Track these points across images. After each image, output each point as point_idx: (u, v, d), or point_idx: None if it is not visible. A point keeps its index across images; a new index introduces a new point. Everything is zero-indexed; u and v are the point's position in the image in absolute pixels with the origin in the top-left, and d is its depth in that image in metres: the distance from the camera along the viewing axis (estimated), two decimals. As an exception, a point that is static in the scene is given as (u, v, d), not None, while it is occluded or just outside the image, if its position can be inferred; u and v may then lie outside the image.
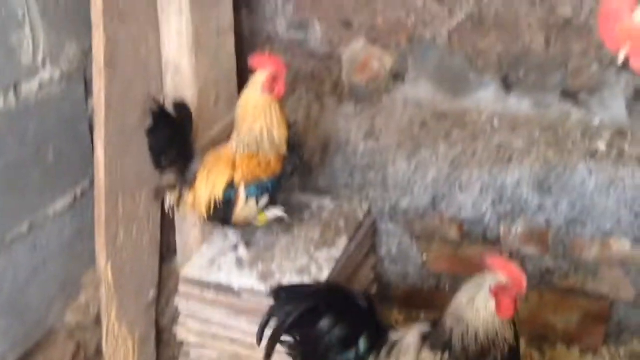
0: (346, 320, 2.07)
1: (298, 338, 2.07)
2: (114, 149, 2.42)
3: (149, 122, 2.32)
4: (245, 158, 2.39)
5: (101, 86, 2.37)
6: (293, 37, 2.97)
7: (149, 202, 2.61)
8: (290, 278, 2.49)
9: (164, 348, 2.76)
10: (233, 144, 2.42)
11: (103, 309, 2.48)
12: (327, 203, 2.87)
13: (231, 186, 2.39)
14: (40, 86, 2.28)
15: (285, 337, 2.04)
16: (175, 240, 2.77)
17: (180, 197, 2.41)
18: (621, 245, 2.67)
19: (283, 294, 2.08)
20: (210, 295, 2.52)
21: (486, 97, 2.88)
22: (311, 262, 2.57)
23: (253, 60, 2.40)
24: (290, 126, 2.44)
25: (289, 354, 2.12)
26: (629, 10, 1.52)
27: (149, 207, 2.63)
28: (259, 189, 2.41)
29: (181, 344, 2.63)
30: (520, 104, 2.85)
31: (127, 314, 2.54)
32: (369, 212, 2.87)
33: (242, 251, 2.58)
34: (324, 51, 3.01)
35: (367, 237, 2.85)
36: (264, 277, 2.50)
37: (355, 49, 2.92)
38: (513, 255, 2.80)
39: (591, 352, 2.81)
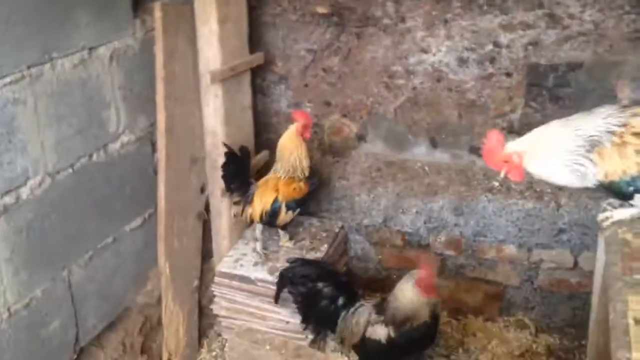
0: (333, 284, 2.27)
1: (302, 290, 2.24)
2: (170, 187, 2.36)
3: (223, 160, 2.38)
4: (285, 184, 2.40)
5: (162, 145, 2.33)
6: (291, 112, 2.90)
7: (194, 222, 2.55)
8: (289, 272, 2.40)
9: (204, 319, 2.67)
10: (279, 171, 2.42)
11: (162, 294, 2.40)
12: (314, 222, 2.79)
13: (276, 202, 2.39)
14: (121, 146, 2.25)
15: (291, 289, 2.25)
16: (212, 247, 2.68)
17: (243, 210, 2.44)
18: (510, 250, 2.61)
19: (293, 262, 2.31)
20: (235, 283, 2.45)
21: (420, 152, 2.81)
22: (304, 261, 2.48)
23: (294, 114, 2.49)
24: (311, 159, 2.47)
25: (295, 301, 2.28)
26: (501, 146, 1.63)
27: (194, 225, 2.56)
28: (294, 203, 2.43)
29: (216, 316, 2.54)
30: (442, 156, 2.78)
31: (178, 296, 2.46)
32: (342, 227, 2.79)
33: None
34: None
35: (340, 244, 2.77)
36: (272, 271, 2.43)
37: (333, 119, 2.86)
38: (438, 257, 2.72)
39: (490, 320, 2.72)
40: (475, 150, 2.72)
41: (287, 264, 2.33)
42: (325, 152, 2.92)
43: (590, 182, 1.46)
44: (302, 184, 2.43)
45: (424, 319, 2.08)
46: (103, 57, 2.10)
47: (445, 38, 2.60)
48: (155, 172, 2.38)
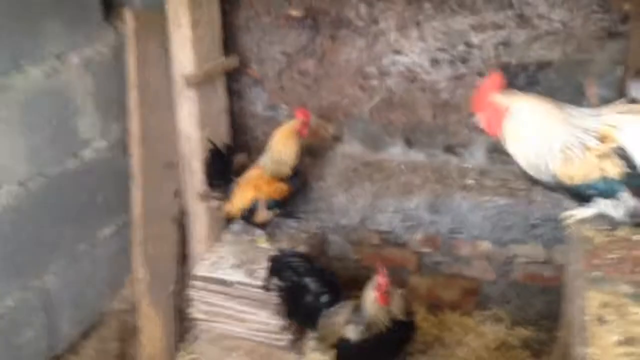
0: (319, 280, 2.26)
1: (289, 283, 2.24)
2: (145, 192, 2.35)
3: (206, 156, 2.39)
4: (267, 182, 2.42)
5: (136, 151, 2.32)
6: (267, 114, 2.91)
7: (169, 227, 2.54)
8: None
9: (183, 324, 2.66)
10: (263, 166, 2.44)
11: (138, 299, 2.38)
12: (293, 223, 2.79)
13: (256, 200, 2.40)
14: (95, 153, 2.25)
15: (278, 282, 2.26)
16: (189, 251, 2.67)
17: (222, 206, 2.44)
18: (484, 246, 2.64)
19: (282, 252, 2.34)
20: (212, 286, 2.45)
21: (396, 152, 2.82)
22: (282, 263, 2.49)
23: (295, 110, 2.50)
24: (299, 159, 2.47)
25: (280, 296, 2.28)
26: (496, 89, 1.51)
27: (170, 230, 2.55)
28: (274, 203, 2.43)
29: (193, 320, 2.54)
30: (418, 156, 2.80)
31: (155, 302, 2.46)
32: (321, 228, 2.80)
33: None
34: (288, 123, 2.94)
35: (319, 244, 2.78)
36: (249, 273, 2.43)
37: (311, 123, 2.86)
38: (415, 254, 2.74)
39: (467, 315, 2.75)
40: (450, 149, 2.75)
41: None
42: (302, 154, 2.92)
43: (545, 177, 1.46)
44: (283, 184, 2.43)
45: (383, 323, 2.07)
46: (74, 64, 2.09)
47: (417, 39, 2.62)
48: (130, 178, 2.36)
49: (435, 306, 2.79)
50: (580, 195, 1.44)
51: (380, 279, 2.07)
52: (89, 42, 2.16)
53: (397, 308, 2.09)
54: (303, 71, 2.82)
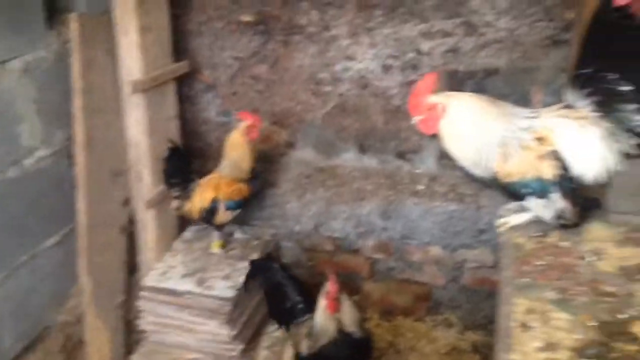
0: (297, 289, 2.29)
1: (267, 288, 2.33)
2: (90, 201, 2.33)
3: (166, 153, 2.40)
4: (226, 183, 2.45)
5: (81, 159, 2.30)
6: (220, 120, 2.91)
7: (117, 236, 2.52)
8: (217, 283, 2.42)
9: (132, 335, 2.64)
10: (222, 170, 2.47)
11: (85, 311, 2.36)
12: (246, 230, 2.80)
13: (215, 201, 2.42)
14: (37, 161, 2.21)
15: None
16: (138, 260, 2.65)
17: (181, 205, 2.46)
18: (435, 251, 2.69)
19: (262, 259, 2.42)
20: (162, 297, 2.43)
21: (349, 158, 2.86)
22: (233, 271, 2.51)
23: (240, 114, 2.51)
24: (256, 161, 2.51)
25: (265, 292, 2.37)
26: (430, 90, 1.55)
27: (117, 239, 2.53)
28: (233, 204, 2.45)
29: (143, 331, 2.52)
30: (370, 162, 2.84)
31: (102, 313, 2.43)
32: (274, 235, 2.81)
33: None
34: (242, 129, 2.95)
35: (272, 252, 2.79)
36: (199, 283, 2.43)
37: (262, 127, 2.86)
38: (368, 260, 2.79)
39: (420, 320, 2.80)
40: (402, 155, 2.80)
41: (222, 275, 2.38)
42: (258, 157, 2.94)
43: (482, 173, 1.50)
44: (243, 185, 2.47)
45: (332, 334, 2.03)
46: (15, 70, 2.06)
47: (369, 46, 2.66)
48: (74, 187, 2.34)
49: (388, 312, 2.84)
50: (515, 193, 1.50)
51: (329, 285, 2.06)
52: (31, 48, 2.13)
53: (348, 318, 2.06)
54: (256, 76, 2.83)
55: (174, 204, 2.49)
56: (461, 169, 1.57)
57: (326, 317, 2.05)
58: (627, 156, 1.46)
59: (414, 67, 2.65)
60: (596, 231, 1.53)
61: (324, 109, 2.82)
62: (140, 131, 2.46)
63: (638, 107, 1.40)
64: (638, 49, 1.39)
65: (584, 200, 1.49)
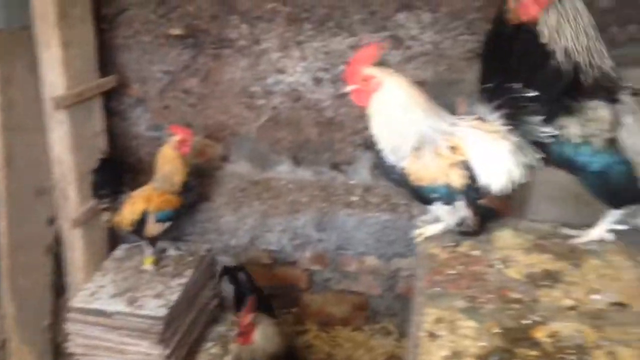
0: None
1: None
2: (12, 220, 2.27)
3: (96, 164, 2.35)
4: (157, 195, 2.41)
5: (1, 177, 2.22)
6: (151, 135, 2.89)
7: (42, 256, 2.46)
8: (149, 302, 2.38)
9: (59, 359, 2.57)
10: (153, 183, 2.43)
11: (8, 336, 2.28)
12: (180, 246, 2.77)
13: (145, 212, 2.38)
14: (-48, 181, 2.12)
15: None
16: (66, 281, 2.59)
17: (111, 217, 2.41)
18: (371, 261, 2.75)
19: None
20: (90, 318, 2.36)
21: (283, 170, 2.89)
22: (166, 289, 2.46)
23: (171, 128, 2.46)
24: (189, 174, 2.48)
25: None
26: (370, 61, 1.53)
27: (43, 260, 2.47)
28: (164, 216, 2.41)
29: (71, 355, 2.45)
30: (305, 174, 2.88)
31: (28, 337, 2.36)
32: (209, 250, 2.79)
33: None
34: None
35: (208, 267, 2.76)
36: (130, 302, 2.38)
37: (195, 141, 2.85)
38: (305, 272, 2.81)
39: (358, 330, 2.85)
40: (336, 167, 2.85)
41: (153, 293, 2.37)
42: (191, 171, 2.93)
43: (396, 162, 1.50)
44: (173, 197, 2.45)
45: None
46: None
47: (300, 59, 2.71)
48: (-6, 207, 2.28)
49: (327, 323, 2.88)
50: (423, 196, 1.55)
51: (243, 315, 2.09)
52: (-56, 65, 2.07)
53: (267, 344, 2.08)
54: (187, 90, 2.83)
55: (104, 216, 2.46)
56: (378, 153, 1.55)
57: (239, 348, 2.06)
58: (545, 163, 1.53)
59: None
60: (506, 239, 1.61)
61: (258, 122, 2.84)
62: (65, 148, 2.41)
63: (543, 119, 1.47)
64: (535, 56, 1.46)
65: (485, 210, 1.56)
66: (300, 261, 2.81)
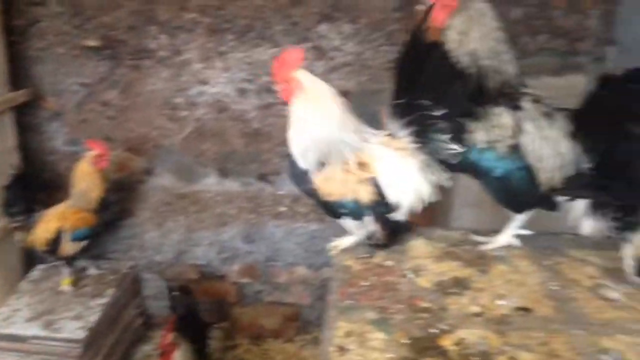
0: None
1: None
2: None
3: (8, 181, 2.31)
4: (72, 213, 2.37)
5: None
6: (69, 150, 2.77)
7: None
8: (67, 324, 2.29)
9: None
10: (69, 201, 2.39)
11: None
12: (101, 264, 2.69)
13: (60, 231, 2.34)
14: None
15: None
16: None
17: (24, 237, 2.37)
18: (301, 271, 2.75)
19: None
20: (4, 344, 2.27)
21: (210, 182, 2.83)
22: (85, 310, 2.39)
23: (88, 143, 2.44)
24: (108, 190, 2.45)
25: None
26: (295, 65, 1.52)
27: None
28: (80, 234, 2.38)
29: (-18, 384, 2.33)
30: (232, 185, 2.83)
31: None
32: (132, 267, 2.72)
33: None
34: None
35: (131, 285, 2.70)
36: (47, 325, 2.29)
37: (115, 154, 2.76)
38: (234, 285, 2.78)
39: (289, 341, 2.84)
40: (264, 177, 2.83)
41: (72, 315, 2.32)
42: (110, 187, 2.84)
43: (304, 165, 1.50)
44: (89, 214, 2.37)
45: None
46: None
47: (222, 70, 2.67)
48: None
49: (258, 336, 2.85)
50: (332, 210, 1.56)
51: (162, 337, 2.10)
52: None
53: None
54: (106, 102, 2.74)
55: (17, 235, 2.36)
56: (289, 157, 1.55)
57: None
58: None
59: (269, 90, 2.70)
60: (418, 248, 1.63)
61: (182, 134, 2.78)
62: (-28, 166, 2.29)
63: (450, 136, 1.50)
64: (445, 75, 1.50)
65: (396, 224, 1.58)
66: (229, 274, 2.78)
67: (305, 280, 2.75)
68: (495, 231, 1.68)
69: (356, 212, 1.53)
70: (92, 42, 2.62)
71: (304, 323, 2.84)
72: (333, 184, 1.51)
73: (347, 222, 1.57)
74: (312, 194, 1.53)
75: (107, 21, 2.61)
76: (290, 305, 2.82)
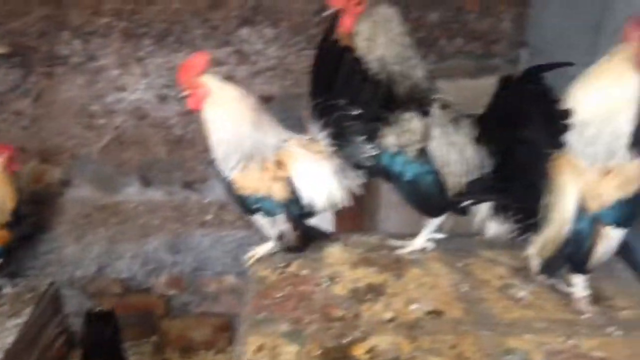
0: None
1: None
2: None
3: None
4: None
5: None
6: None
7: None
8: (-23, 348, 2.15)
9: None
10: None
11: None
12: (18, 281, 2.54)
13: None
14: None
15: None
16: None
17: None
18: (230, 280, 2.71)
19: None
20: None
21: (132, 192, 2.75)
22: (1, 331, 2.24)
23: None
24: (21, 203, 2.24)
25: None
26: (200, 70, 1.47)
27: None
28: None
29: None
30: (156, 194, 2.75)
31: None
32: (51, 284, 2.58)
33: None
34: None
35: (51, 302, 2.56)
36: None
37: (31, 166, 2.63)
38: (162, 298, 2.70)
39: (221, 352, 2.79)
40: (189, 185, 2.76)
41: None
42: (25, 203, 2.70)
43: (226, 170, 1.50)
44: (4, 231, 2.22)
45: None
46: None
47: (141, 76, 2.60)
48: None
49: (188, 348, 2.79)
50: (246, 206, 1.53)
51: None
52: None
53: None
54: (18, 112, 2.61)
55: None
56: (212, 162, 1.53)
57: None
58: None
59: (191, 96, 2.64)
60: (335, 255, 1.63)
61: (100, 143, 2.68)
62: None
63: (365, 138, 1.50)
64: (356, 80, 1.50)
65: (309, 227, 1.57)
66: (155, 287, 2.70)
67: (235, 289, 2.71)
68: (412, 235, 1.70)
69: (269, 208, 1.52)
70: (0, 49, 2.49)
71: (235, 333, 2.79)
72: (248, 179, 1.49)
73: (260, 220, 1.55)
74: (228, 189, 1.51)
75: (16, 27, 2.49)
76: (220, 316, 2.77)
